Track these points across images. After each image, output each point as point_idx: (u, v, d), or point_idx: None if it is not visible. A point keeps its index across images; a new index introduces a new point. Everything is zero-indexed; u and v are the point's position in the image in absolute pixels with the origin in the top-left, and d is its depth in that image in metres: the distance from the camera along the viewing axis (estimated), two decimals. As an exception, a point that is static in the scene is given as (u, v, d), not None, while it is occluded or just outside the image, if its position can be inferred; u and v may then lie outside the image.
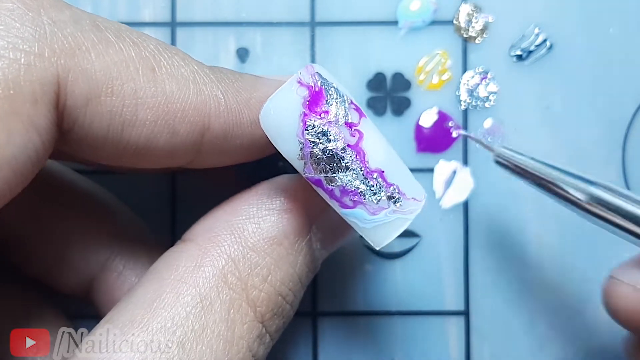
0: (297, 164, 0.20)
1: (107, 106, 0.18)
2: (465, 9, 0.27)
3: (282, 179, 0.22)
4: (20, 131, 0.17)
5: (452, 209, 0.27)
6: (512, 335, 0.27)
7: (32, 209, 0.23)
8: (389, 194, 0.20)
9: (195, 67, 0.20)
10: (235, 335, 0.19)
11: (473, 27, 0.27)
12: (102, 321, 0.19)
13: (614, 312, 0.22)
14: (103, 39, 0.18)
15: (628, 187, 0.27)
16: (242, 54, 0.27)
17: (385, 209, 0.20)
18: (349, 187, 0.20)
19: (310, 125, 0.19)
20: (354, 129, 0.20)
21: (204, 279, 0.20)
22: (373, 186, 0.20)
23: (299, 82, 0.20)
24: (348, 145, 0.19)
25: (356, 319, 0.27)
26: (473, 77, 0.27)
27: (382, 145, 0.20)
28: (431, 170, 0.27)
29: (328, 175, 0.19)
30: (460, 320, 0.27)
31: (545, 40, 0.27)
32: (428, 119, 0.27)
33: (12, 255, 0.24)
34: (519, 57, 0.27)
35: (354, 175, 0.20)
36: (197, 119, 0.19)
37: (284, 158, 0.20)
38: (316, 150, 0.19)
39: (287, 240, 0.21)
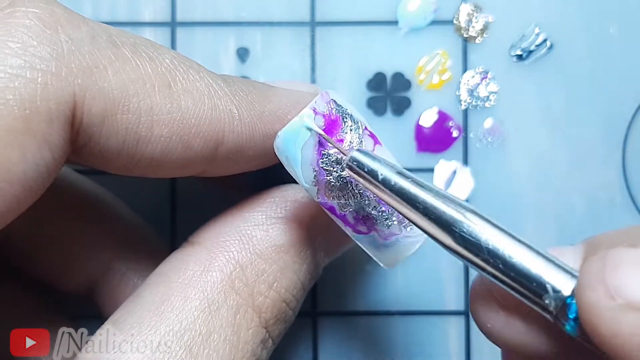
0: (311, 190, 0.20)
1: (123, 123, 0.18)
2: (466, 8, 0.27)
3: (291, 189, 0.22)
4: (33, 149, 0.16)
5: (452, 209, 0.27)
6: (512, 335, 0.27)
7: (34, 211, 0.23)
8: (399, 219, 0.20)
9: (210, 81, 0.20)
10: (241, 340, 0.19)
11: (473, 27, 0.27)
12: (107, 322, 0.19)
13: (480, 326, 0.19)
14: (120, 56, 0.18)
15: (628, 187, 0.27)
16: (242, 54, 0.27)
17: (397, 234, 0.20)
18: (360, 214, 0.20)
19: (325, 154, 0.19)
20: None
21: (212, 284, 0.20)
22: (384, 212, 0.20)
23: (314, 110, 0.20)
24: None
25: (356, 319, 0.27)
26: (473, 77, 0.27)
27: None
28: (431, 170, 0.27)
29: (341, 201, 0.20)
30: (460, 320, 0.27)
31: (545, 40, 0.27)
32: (428, 119, 0.27)
33: (14, 255, 0.24)
34: (519, 57, 0.27)
35: (366, 202, 0.20)
36: (212, 133, 0.19)
37: None
38: (330, 178, 0.20)
39: (293, 249, 0.21)
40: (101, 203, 0.25)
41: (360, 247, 0.21)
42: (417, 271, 0.27)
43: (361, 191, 0.20)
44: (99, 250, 0.24)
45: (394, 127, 0.27)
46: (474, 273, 0.27)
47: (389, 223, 0.20)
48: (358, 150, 0.19)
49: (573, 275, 0.17)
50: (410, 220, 0.18)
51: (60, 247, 0.24)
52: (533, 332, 0.18)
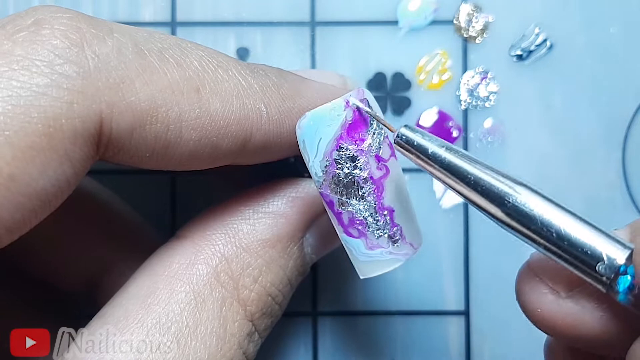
0: (317, 179, 0.20)
1: (152, 133, 0.18)
2: (466, 8, 0.27)
3: (281, 184, 0.22)
4: (54, 165, 0.17)
5: (452, 209, 0.27)
6: (512, 335, 0.27)
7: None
8: (390, 233, 0.20)
9: (239, 79, 0.20)
10: (227, 333, 0.20)
11: (473, 27, 0.27)
12: (95, 317, 0.19)
13: (529, 314, 0.19)
14: (147, 67, 0.18)
15: (628, 187, 0.27)
16: (242, 54, 0.27)
17: (383, 248, 0.20)
18: (357, 216, 0.20)
19: (342, 147, 0.20)
20: (382, 164, 0.20)
21: (198, 277, 0.20)
22: (379, 222, 0.20)
23: (347, 103, 0.20)
24: (371, 177, 0.20)
25: (356, 319, 0.27)
26: (473, 76, 0.27)
27: (401, 186, 0.20)
28: (431, 170, 0.27)
29: (342, 198, 0.20)
30: (460, 320, 0.27)
31: (545, 40, 0.27)
32: (428, 119, 0.27)
33: (14, 254, 0.24)
34: (519, 57, 0.27)
35: (366, 206, 0.20)
36: (239, 132, 0.19)
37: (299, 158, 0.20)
38: (340, 173, 0.20)
39: (279, 244, 0.21)
40: (101, 201, 0.25)
41: (344, 249, 0.21)
42: (417, 271, 0.27)
43: (364, 194, 0.20)
44: (99, 249, 0.24)
45: (394, 127, 0.27)
46: (474, 272, 0.27)
47: (380, 234, 0.20)
48: (406, 126, 0.19)
49: (625, 247, 0.17)
50: (460, 195, 0.18)
51: (60, 246, 0.24)
52: (583, 313, 0.18)
